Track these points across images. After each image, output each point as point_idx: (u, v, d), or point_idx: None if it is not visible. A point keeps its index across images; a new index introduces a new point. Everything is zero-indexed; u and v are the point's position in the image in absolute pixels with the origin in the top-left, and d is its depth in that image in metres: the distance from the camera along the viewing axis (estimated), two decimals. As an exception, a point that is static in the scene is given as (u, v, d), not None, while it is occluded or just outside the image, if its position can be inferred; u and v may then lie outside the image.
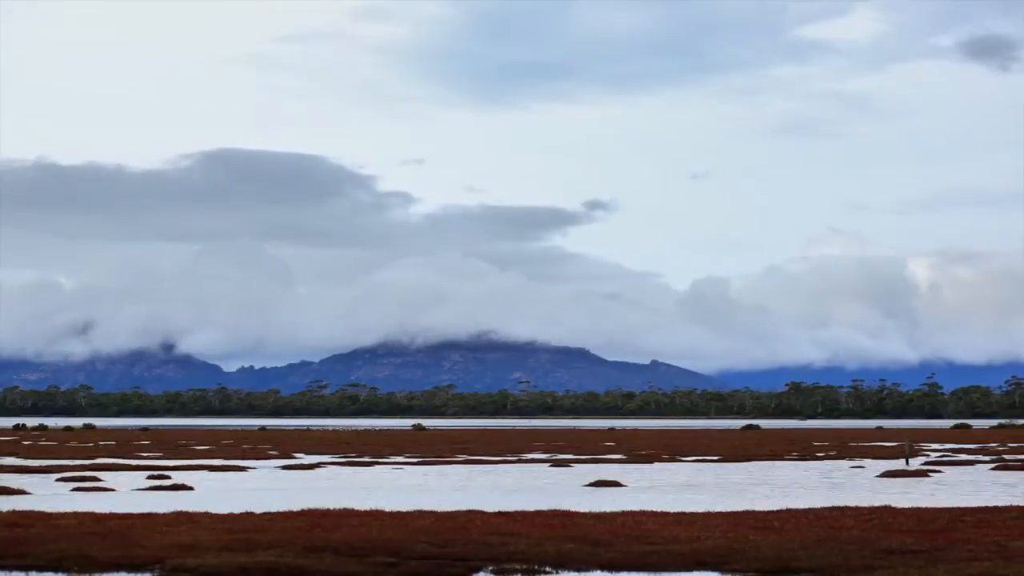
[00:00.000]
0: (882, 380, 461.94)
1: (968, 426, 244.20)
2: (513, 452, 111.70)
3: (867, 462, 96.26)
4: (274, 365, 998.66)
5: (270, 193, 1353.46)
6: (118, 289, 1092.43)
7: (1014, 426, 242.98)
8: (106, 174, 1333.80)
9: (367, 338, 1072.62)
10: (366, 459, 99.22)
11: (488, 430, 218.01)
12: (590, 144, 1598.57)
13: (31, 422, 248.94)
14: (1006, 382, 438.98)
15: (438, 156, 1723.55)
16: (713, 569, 34.36)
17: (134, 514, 45.71)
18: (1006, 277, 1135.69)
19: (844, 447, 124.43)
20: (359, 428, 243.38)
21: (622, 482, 70.19)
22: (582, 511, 47.56)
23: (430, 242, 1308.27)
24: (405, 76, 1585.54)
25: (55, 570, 34.10)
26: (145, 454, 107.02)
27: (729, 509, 49.74)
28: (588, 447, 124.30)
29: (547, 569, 34.00)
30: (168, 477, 72.49)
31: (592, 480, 71.25)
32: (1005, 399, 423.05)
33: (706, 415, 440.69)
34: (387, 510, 47.71)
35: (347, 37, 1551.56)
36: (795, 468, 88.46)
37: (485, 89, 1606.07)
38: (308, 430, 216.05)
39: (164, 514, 45.47)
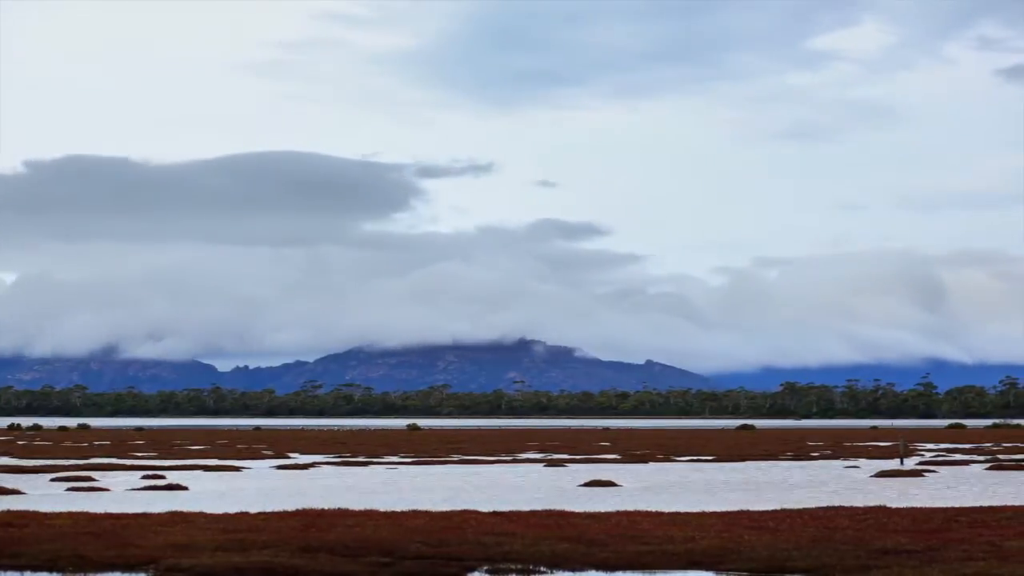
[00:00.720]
0: (876, 380, 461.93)
1: (962, 426, 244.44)
2: (508, 452, 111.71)
3: (862, 462, 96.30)
4: (268, 365, 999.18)
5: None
6: (117, 289, 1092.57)
7: (1008, 426, 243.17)
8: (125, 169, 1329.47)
9: (363, 338, 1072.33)
10: (361, 459, 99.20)
11: (482, 430, 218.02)
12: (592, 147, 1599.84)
13: (26, 422, 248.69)
14: (1000, 382, 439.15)
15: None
16: (708, 569, 34.38)
17: (129, 514, 45.68)
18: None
19: (839, 447, 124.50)
20: (353, 428, 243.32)
21: (617, 482, 70.21)
22: (577, 511, 47.56)
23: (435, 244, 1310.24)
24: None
25: (50, 570, 34.09)
26: (140, 454, 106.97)
27: (723, 509, 49.75)
28: (583, 447, 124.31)
29: (542, 569, 34.01)
30: (163, 477, 72.45)
31: (587, 480, 71.25)
32: (999, 399, 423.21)
33: (701, 415, 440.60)
34: (381, 510, 47.69)
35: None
36: (790, 468, 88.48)
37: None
38: (303, 430, 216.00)
39: (159, 514, 45.44)
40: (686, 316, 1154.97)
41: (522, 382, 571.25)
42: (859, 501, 54.14)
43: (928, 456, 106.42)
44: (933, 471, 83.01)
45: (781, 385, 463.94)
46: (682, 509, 49.84)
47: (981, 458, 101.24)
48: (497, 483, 70.76)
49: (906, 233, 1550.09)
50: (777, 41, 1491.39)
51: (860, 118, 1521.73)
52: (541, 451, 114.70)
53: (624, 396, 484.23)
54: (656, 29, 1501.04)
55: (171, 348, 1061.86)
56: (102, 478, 72.07)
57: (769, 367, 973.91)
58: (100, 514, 45.60)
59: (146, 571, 33.92)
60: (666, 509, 49.47)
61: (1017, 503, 53.13)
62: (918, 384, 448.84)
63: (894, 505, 51.67)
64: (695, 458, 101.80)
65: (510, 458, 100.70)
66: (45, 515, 44.83)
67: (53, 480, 70.74)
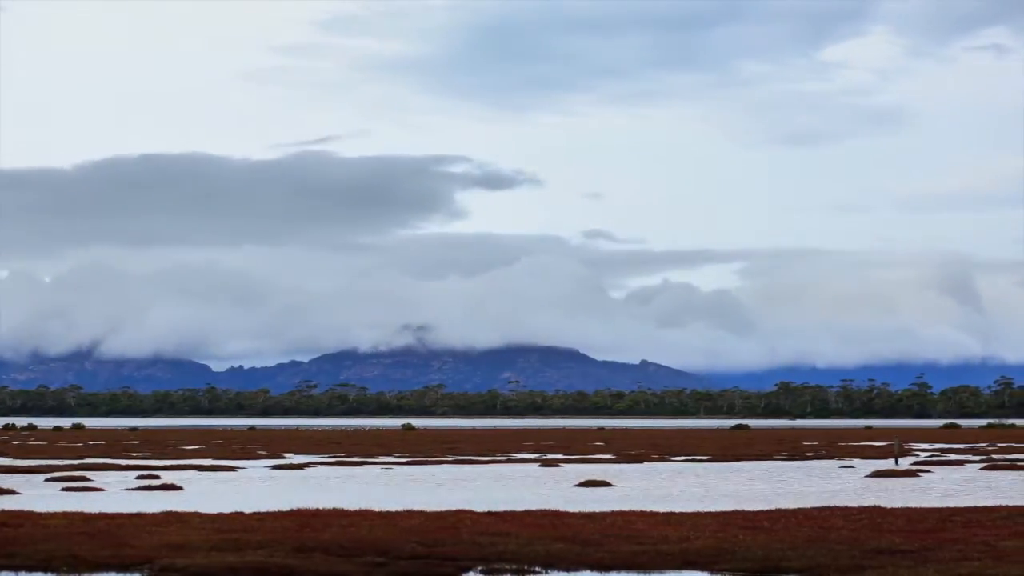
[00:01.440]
0: (871, 380, 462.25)
1: (957, 426, 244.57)
2: (502, 452, 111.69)
3: (856, 462, 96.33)
4: (263, 365, 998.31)
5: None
6: (114, 289, 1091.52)
7: (1003, 426, 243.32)
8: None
9: (357, 339, 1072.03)
10: (356, 459, 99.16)
11: (477, 430, 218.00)
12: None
13: (20, 422, 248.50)
14: (995, 382, 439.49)
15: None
16: (702, 569, 34.38)
17: (123, 514, 45.66)
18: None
19: (833, 447, 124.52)
20: (348, 428, 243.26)
21: (611, 482, 70.21)
22: (571, 511, 47.55)
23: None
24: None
25: (44, 570, 34.07)
26: (134, 454, 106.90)
27: (718, 509, 49.76)
28: (577, 447, 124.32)
29: (536, 569, 34.01)
30: (157, 477, 72.41)
31: (581, 480, 71.24)
32: (994, 399, 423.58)
33: (695, 415, 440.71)
34: (376, 510, 47.69)
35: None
36: (784, 468, 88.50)
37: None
38: (297, 430, 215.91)
39: (153, 514, 45.41)
40: (683, 317, 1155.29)
41: (517, 382, 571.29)
42: (854, 501, 54.15)
43: (923, 456, 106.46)
44: (928, 471, 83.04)
45: (776, 385, 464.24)
46: (677, 509, 49.84)
47: (976, 458, 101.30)
48: (492, 483, 70.74)
49: (906, 234, 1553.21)
50: (788, 50, 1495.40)
51: (867, 123, 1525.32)
52: (536, 451, 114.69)
53: (619, 396, 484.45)
54: (667, 38, 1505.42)
55: (166, 348, 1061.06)
56: (97, 478, 72.02)
57: (765, 367, 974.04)
58: (95, 514, 45.57)
59: (141, 571, 33.90)
60: (661, 509, 49.47)
61: (1012, 503, 53.15)
62: (912, 384, 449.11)
63: (889, 505, 51.69)
64: (690, 458, 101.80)
65: (505, 458, 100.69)
66: (40, 515, 44.80)
67: (48, 480, 70.70)
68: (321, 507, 48.74)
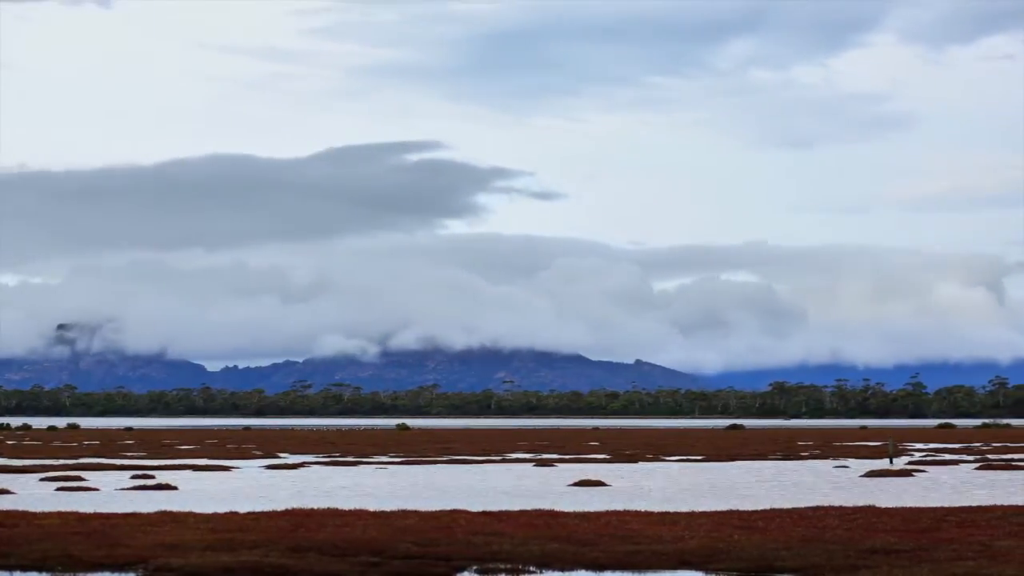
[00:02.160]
0: (866, 380, 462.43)
1: (952, 426, 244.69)
2: (497, 452, 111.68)
3: (851, 462, 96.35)
4: (258, 365, 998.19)
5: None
6: (112, 289, 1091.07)
7: (998, 426, 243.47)
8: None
9: (351, 339, 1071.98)
10: (350, 459, 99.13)
11: (472, 430, 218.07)
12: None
13: (15, 421, 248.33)
14: (990, 382, 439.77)
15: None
16: (697, 568, 34.40)
17: (118, 514, 45.65)
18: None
19: (828, 447, 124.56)
20: (343, 428, 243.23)
21: (606, 482, 70.22)
22: (566, 511, 47.56)
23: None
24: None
25: (39, 570, 34.05)
26: (129, 454, 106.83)
27: (713, 509, 49.77)
28: (572, 447, 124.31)
29: (531, 569, 34.01)
30: (152, 477, 72.37)
31: (576, 480, 71.24)
32: (989, 399, 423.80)
33: (690, 415, 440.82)
34: (371, 510, 47.68)
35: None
36: (779, 467, 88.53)
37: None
38: (292, 430, 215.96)
39: (148, 514, 45.40)
40: (676, 317, 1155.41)
41: (511, 382, 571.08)
42: (848, 501, 54.15)
43: (917, 456, 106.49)
44: (923, 471, 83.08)
45: (770, 385, 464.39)
46: (671, 509, 49.85)
47: (970, 458, 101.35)
48: (486, 483, 70.74)
49: (906, 235, 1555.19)
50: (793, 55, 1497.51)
51: (873, 127, 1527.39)
52: (531, 451, 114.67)
53: (614, 396, 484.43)
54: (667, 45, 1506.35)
55: (162, 347, 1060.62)
56: (91, 478, 71.97)
57: (763, 367, 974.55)
58: (89, 514, 45.56)
59: (135, 571, 33.89)
60: (655, 509, 49.49)
61: (1007, 503, 53.16)
62: (907, 384, 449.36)
63: (883, 505, 51.72)
64: (685, 458, 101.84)
65: (500, 458, 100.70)
66: (34, 515, 44.79)
67: (42, 480, 70.64)
68: (315, 507, 48.74)
